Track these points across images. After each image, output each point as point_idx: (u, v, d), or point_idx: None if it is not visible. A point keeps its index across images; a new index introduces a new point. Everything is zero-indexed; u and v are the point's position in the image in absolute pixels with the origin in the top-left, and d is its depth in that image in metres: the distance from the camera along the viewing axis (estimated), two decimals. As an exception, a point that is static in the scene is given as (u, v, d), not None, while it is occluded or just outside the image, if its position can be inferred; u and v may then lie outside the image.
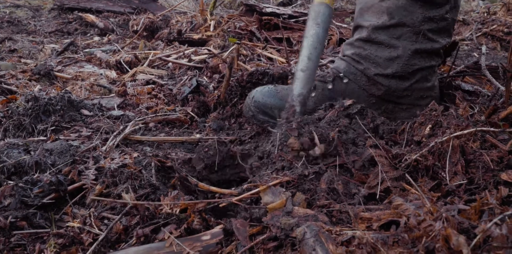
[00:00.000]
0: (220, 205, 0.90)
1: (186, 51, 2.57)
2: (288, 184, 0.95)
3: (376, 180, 0.96)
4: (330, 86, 1.36)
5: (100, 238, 0.90)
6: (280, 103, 1.34)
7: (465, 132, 0.95)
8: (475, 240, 0.64)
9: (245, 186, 0.94)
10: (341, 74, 1.36)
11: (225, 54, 2.32)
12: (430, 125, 1.10)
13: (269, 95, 1.37)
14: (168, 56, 2.49)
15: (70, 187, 1.10)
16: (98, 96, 1.95)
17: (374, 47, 1.31)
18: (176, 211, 0.91)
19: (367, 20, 1.32)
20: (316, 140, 1.05)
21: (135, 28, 3.55)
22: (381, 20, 1.28)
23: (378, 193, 0.94)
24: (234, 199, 0.90)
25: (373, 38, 1.30)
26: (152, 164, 1.15)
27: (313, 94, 1.37)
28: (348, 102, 1.27)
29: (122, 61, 2.48)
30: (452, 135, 0.94)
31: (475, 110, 1.25)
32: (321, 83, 1.38)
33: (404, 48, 1.27)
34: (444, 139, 0.94)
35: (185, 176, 1.05)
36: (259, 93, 1.38)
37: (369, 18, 1.32)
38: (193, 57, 2.41)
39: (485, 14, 3.44)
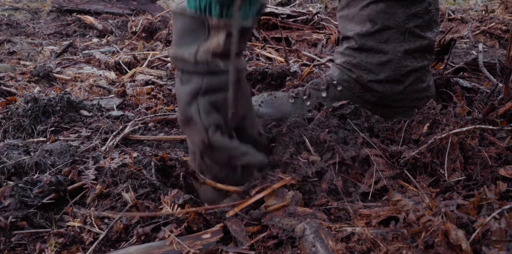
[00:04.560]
0: (227, 215, 0.89)
1: (185, 52, 2.57)
2: (292, 187, 0.94)
3: (371, 179, 0.96)
4: (324, 95, 1.36)
5: (101, 237, 0.90)
6: (275, 113, 1.35)
7: (464, 129, 0.95)
8: (474, 235, 0.65)
9: (253, 192, 0.91)
10: (335, 82, 1.36)
11: (224, 54, 2.31)
12: (428, 124, 1.10)
13: (265, 106, 1.38)
14: (167, 56, 2.49)
15: (70, 187, 1.10)
16: (98, 97, 1.95)
17: (364, 54, 1.30)
18: (176, 211, 0.91)
19: (352, 30, 1.32)
20: (307, 143, 1.05)
21: (133, 29, 3.55)
22: (365, 28, 1.28)
23: (372, 191, 0.94)
24: (236, 209, 0.88)
25: (361, 46, 1.29)
26: (152, 163, 1.15)
27: (308, 103, 1.37)
28: (340, 102, 1.27)
29: (121, 62, 2.49)
30: (451, 132, 0.94)
31: (473, 108, 1.25)
32: (315, 91, 1.38)
33: (393, 51, 1.26)
34: (443, 135, 0.94)
35: (192, 172, 1.04)
36: (254, 102, 1.39)
37: (353, 28, 1.32)
38: (192, 58, 2.41)
39: (483, 12, 3.45)
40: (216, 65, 0.89)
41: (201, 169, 0.98)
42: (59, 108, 1.54)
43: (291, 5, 4.60)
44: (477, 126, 0.98)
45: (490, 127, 1.01)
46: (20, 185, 1.05)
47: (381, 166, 0.99)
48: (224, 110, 0.92)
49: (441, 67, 1.70)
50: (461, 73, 1.61)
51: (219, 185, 0.99)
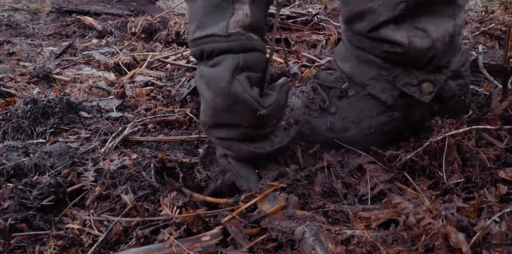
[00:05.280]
0: (222, 221, 0.88)
1: (185, 53, 2.57)
2: (283, 190, 0.94)
3: (367, 184, 0.95)
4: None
5: (100, 239, 0.90)
6: None
7: (460, 130, 0.95)
8: (474, 238, 0.64)
9: (242, 197, 0.92)
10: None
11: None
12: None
13: None
14: (167, 57, 2.49)
15: (69, 189, 1.10)
16: (97, 98, 1.95)
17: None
18: (175, 213, 0.91)
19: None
20: (299, 154, 1.04)
21: (133, 30, 3.55)
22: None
23: (370, 197, 0.93)
24: (233, 213, 0.88)
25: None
26: (152, 165, 1.15)
27: None
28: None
29: (120, 63, 2.48)
30: (447, 134, 0.94)
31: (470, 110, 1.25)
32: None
33: None
34: (439, 138, 0.93)
35: (179, 188, 1.05)
36: None
37: None
38: (192, 59, 2.42)
39: (483, 13, 3.45)
40: (249, 38, 0.86)
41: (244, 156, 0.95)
42: (58, 109, 1.54)
43: (291, 6, 4.60)
44: (473, 127, 0.97)
45: (488, 126, 1.00)
46: (20, 186, 1.04)
47: (375, 172, 0.98)
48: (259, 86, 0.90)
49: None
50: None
51: (208, 198, 0.99)
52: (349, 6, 1.01)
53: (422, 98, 1.00)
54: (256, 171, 0.99)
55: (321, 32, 2.91)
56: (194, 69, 2.25)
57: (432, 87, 1.00)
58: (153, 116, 1.62)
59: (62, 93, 1.64)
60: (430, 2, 0.93)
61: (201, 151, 1.20)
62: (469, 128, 0.96)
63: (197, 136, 1.42)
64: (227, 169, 0.99)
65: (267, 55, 0.94)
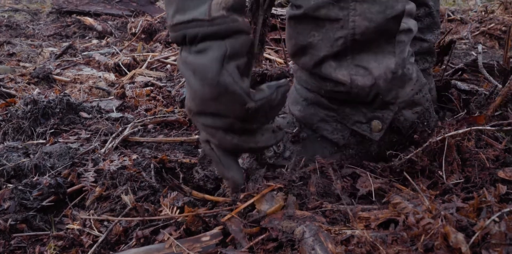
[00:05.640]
0: (222, 220, 0.88)
1: (185, 53, 2.57)
2: (280, 190, 0.94)
3: (363, 186, 0.95)
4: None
5: (100, 239, 0.90)
6: None
7: (460, 131, 0.95)
8: (473, 238, 0.65)
9: (241, 196, 0.92)
10: None
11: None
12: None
13: None
14: (167, 58, 2.49)
15: (69, 190, 1.10)
16: (97, 99, 1.95)
17: None
18: (176, 213, 0.91)
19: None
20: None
21: (133, 30, 3.55)
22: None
23: (362, 195, 0.93)
24: (233, 213, 0.88)
25: None
26: (152, 165, 1.15)
27: None
28: None
29: (120, 63, 2.49)
30: (446, 135, 0.94)
31: (470, 109, 1.25)
32: None
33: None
34: (438, 138, 0.93)
35: (179, 184, 1.05)
36: None
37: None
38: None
39: (483, 13, 3.45)
40: (233, 20, 0.80)
41: (225, 147, 0.91)
42: (58, 110, 1.54)
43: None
44: (473, 128, 0.97)
45: (488, 127, 1.01)
46: (20, 187, 1.05)
47: (368, 180, 0.98)
48: (246, 74, 0.86)
49: (441, 68, 1.70)
50: (459, 72, 1.61)
51: (207, 196, 0.99)
52: (292, 40, 1.01)
53: (372, 136, 1.01)
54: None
55: (321, 33, 2.91)
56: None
57: (381, 124, 1.01)
58: (153, 116, 1.62)
59: (62, 94, 1.64)
60: (369, 39, 0.93)
61: (200, 151, 1.21)
62: (469, 128, 0.96)
63: (197, 136, 1.42)
64: (208, 154, 0.95)
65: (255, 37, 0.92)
